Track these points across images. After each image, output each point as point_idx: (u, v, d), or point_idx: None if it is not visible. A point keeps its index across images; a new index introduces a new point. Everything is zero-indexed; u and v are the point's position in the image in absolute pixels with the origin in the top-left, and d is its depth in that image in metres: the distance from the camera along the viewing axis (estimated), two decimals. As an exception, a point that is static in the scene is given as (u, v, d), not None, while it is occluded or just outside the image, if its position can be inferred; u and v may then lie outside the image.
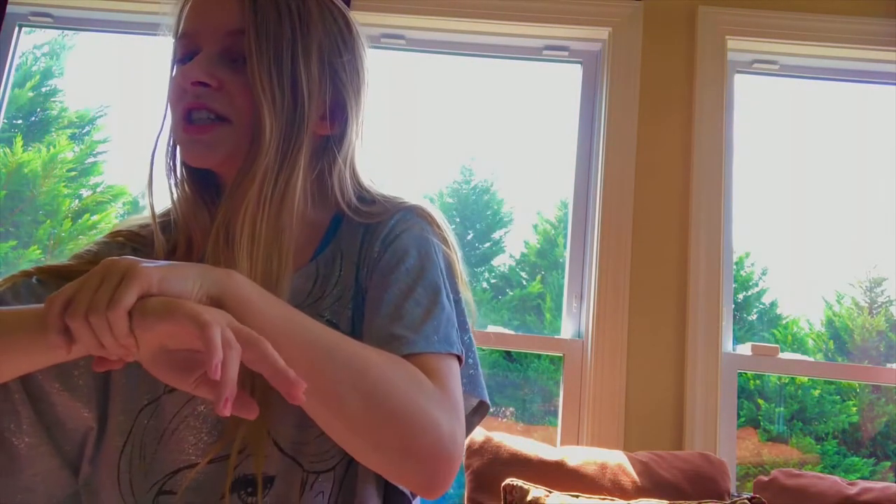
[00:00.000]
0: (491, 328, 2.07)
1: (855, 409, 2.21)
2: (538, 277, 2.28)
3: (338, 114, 0.78)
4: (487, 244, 2.38)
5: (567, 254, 2.10)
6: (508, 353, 2.18)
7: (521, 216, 2.36)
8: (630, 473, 1.63)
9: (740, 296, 2.27)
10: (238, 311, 0.57)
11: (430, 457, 0.61)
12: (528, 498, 1.51)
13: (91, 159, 2.40)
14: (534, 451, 1.66)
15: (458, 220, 2.36)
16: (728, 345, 2.00)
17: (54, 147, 2.35)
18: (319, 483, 0.71)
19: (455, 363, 0.70)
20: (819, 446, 2.18)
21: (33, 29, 2.33)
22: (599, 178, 2.04)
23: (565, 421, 1.94)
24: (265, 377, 0.53)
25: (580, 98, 2.18)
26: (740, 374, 2.04)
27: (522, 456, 1.65)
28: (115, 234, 0.83)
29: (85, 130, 2.41)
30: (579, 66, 2.21)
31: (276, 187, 0.72)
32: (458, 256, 0.81)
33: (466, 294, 0.80)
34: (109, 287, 0.52)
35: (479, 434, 1.70)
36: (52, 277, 0.75)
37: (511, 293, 2.29)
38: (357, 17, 0.82)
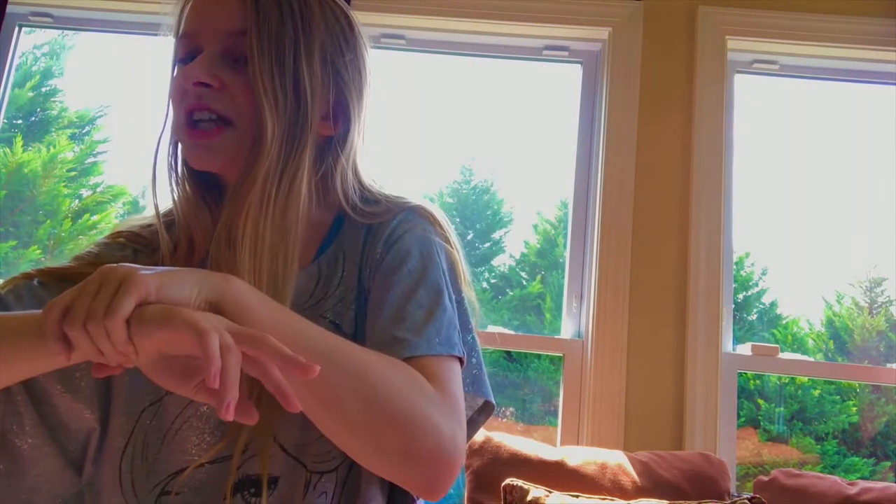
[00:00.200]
0: (491, 328, 2.07)
1: (855, 409, 2.21)
2: (538, 277, 2.28)
3: (340, 114, 0.78)
4: (487, 244, 2.38)
5: (567, 254, 2.10)
6: (508, 353, 2.18)
7: (521, 216, 2.36)
8: (630, 473, 1.63)
9: (740, 296, 2.27)
10: (237, 317, 0.56)
11: (430, 460, 0.61)
12: (528, 498, 1.51)
13: (91, 159, 2.40)
14: (534, 451, 1.66)
15: (458, 220, 2.36)
16: (728, 345, 2.00)
17: (54, 147, 2.35)
18: (322, 483, 0.71)
19: (456, 365, 0.69)
20: (819, 446, 2.18)
21: (33, 29, 2.33)
22: (599, 178, 2.04)
23: (565, 421, 1.94)
24: (263, 378, 0.53)
25: (580, 98, 2.18)
26: (740, 374, 2.04)
27: (522, 456, 1.64)
28: (115, 235, 0.83)
29: (85, 130, 2.41)
30: (579, 66, 2.21)
31: (280, 188, 0.71)
32: (460, 256, 0.81)
33: (469, 294, 0.80)
34: (107, 295, 0.52)
35: (479, 434, 1.70)
36: (53, 279, 0.75)
37: (511, 293, 2.29)
38: (357, 17, 0.82)
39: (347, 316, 0.75)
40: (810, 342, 2.28)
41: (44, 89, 2.41)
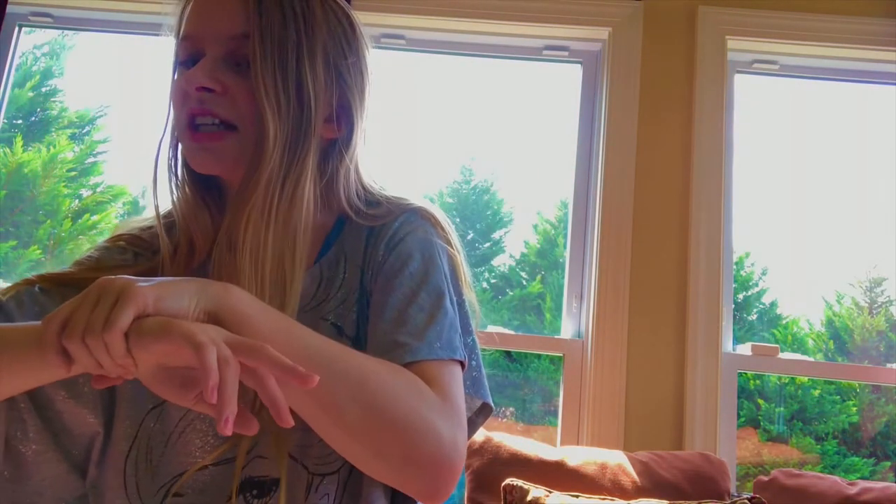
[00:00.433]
0: (491, 328, 2.07)
1: (855, 409, 2.21)
2: (538, 277, 2.28)
3: (343, 116, 0.78)
4: (487, 244, 2.38)
5: (567, 254, 2.10)
6: (508, 353, 2.18)
7: (521, 216, 2.36)
8: (630, 473, 1.63)
9: (740, 296, 2.27)
10: (236, 327, 0.56)
11: (431, 465, 0.62)
12: (528, 498, 1.51)
13: (91, 159, 2.40)
14: (534, 451, 1.66)
15: (458, 220, 2.36)
16: (728, 345, 2.00)
17: (54, 147, 2.35)
18: (324, 485, 0.71)
19: (457, 369, 0.70)
20: (819, 446, 2.18)
21: (33, 29, 2.33)
22: (599, 178, 2.04)
23: (565, 421, 1.94)
24: (259, 390, 0.53)
25: (580, 98, 2.18)
26: (740, 374, 2.04)
27: (522, 456, 1.65)
28: (116, 239, 0.82)
29: (85, 130, 2.41)
30: (579, 66, 2.21)
31: (283, 193, 0.71)
32: (462, 258, 0.81)
33: (470, 295, 0.80)
34: (105, 307, 0.52)
35: (479, 434, 1.70)
36: (54, 285, 0.75)
37: (511, 293, 2.29)
38: (357, 17, 0.82)
39: (349, 318, 0.75)
40: (810, 342, 2.28)
41: (44, 89, 2.41)
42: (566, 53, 2.20)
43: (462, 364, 0.71)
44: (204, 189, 0.80)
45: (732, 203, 2.09)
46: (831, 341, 2.27)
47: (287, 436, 0.70)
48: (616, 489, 1.59)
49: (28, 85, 2.37)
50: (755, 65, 2.19)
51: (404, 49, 2.23)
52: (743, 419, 2.15)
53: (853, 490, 1.63)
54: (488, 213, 2.40)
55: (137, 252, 0.81)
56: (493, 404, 0.77)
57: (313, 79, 0.73)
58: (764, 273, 2.31)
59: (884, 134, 2.21)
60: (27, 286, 0.75)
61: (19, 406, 0.69)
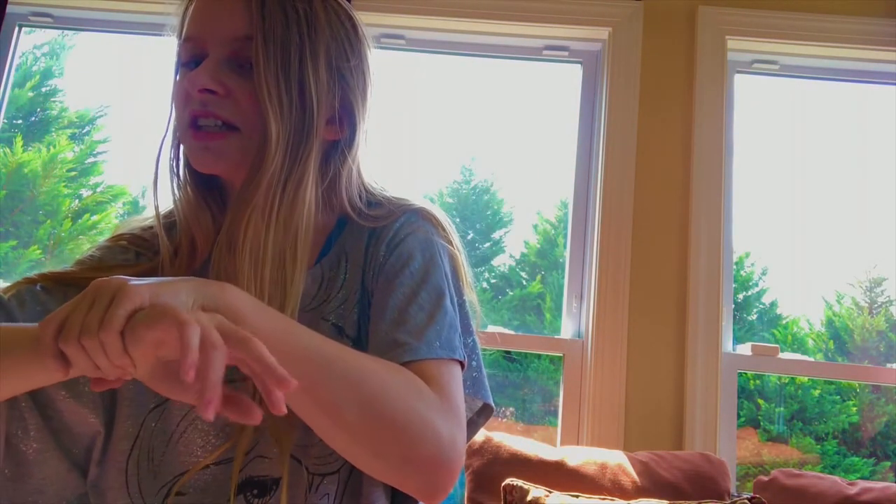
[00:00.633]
0: (491, 328, 2.07)
1: (855, 409, 2.21)
2: (538, 277, 2.28)
3: (346, 118, 0.78)
4: (487, 244, 2.38)
5: (567, 254, 2.10)
6: (508, 353, 2.18)
7: (521, 216, 2.36)
8: (630, 473, 1.63)
9: (740, 296, 2.27)
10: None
11: (430, 464, 0.62)
12: (528, 498, 1.51)
13: (91, 159, 2.40)
14: (534, 451, 1.66)
15: (458, 220, 2.36)
16: (728, 345, 2.00)
17: (54, 147, 2.35)
18: (325, 485, 0.71)
19: (457, 368, 0.70)
20: (819, 446, 2.18)
21: (33, 29, 2.33)
22: (599, 178, 2.04)
23: (565, 421, 1.94)
24: (254, 378, 0.52)
25: (580, 98, 2.18)
26: (740, 374, 2.04)
27: (522, 456, 1.65)
28: (117, 238, 0.82)
29: (85, 130, 2.41)
30: (579, 66, 2.21)
31: (285, 195, 0.71)
32: (463, 258, 0.81)
33: (471, 296, 0.80)
34: (100, 308, 0.51)
35: (479, 434, 1.70)
36: (56, 284, 0.75)
37: (511, 293, 2.29)
38: (355, 12, 0.82)
39: (350, 318, 0.75)
40: (810, 342, 2.28)
41: (44, 89, 2.41)
42: (566, 53, 2.20)
43: (462, 364, 0.71)
44: (205, 190, 0.80)
45: (732, 203, 2.09)
46: (831, 341, 2.27)
47: (288, 435, 0.69)
48: (616, 489, 1.59)
49: (28, 85, 2.37)
50: (755, 65, 2.19)
51: (404, 49, 2.23)
52: (743, 419, 2.15)
53: (853, 490, 1.63)
54: (488, 213, 2.40)
55: (139, 252, 0.81)
56: (493, 405, 0.77)
57: (315, 81, 0.73)
58: (764, 273, 2.31)
59: (884, 134, 2.21)
60: (28, 285, 0.75)
61: (20, 405, 0.69)
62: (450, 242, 0.80)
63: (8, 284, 0.76)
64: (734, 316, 2.06)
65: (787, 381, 2.24)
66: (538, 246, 2.33)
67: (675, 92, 2.09)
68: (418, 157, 2.31)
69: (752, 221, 2.18)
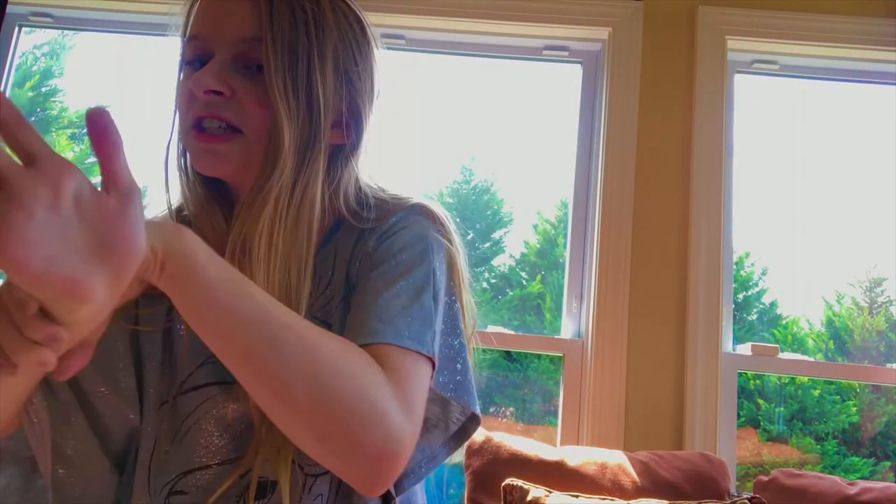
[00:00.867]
0: (491, 328, 2.07)
1: (855, 409, 2.21)
2: (538, 277, 2.28)
3: (352, 122, 0.77)
4: (487, 244, 2.38)
5: (567, 254, 2.10)
6: (508, 353, 2.18)
7: (521, 216, 2.36)
8: (630, 473, 1.63)
9: (740, 296, 2.27)
10: (181, 270, 0.54)
11: (374, 453, 0.59)
12: (528, 498, 1.51)
13: (91, 159, 2.40)
14: (534, 451, 1.66)
15: (458, 220, 2.33)
16: (728, 345, 2.00)
17: (54, 147, 2.35)
18: (318, 486, 0.71)
19: (424, 364, 0.66)
20: (819, 446, 2.18)
21: (33, 29, 2.33)
22: (599, 178, 2.04)
23: (565, 421, 1.94)
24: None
25: (580, 98, 2.18)
26: (740, 374, 2.04)
27: (522, 456, 1.64)
28: None
29: (85, 130, 2.41)
30: (579, 66, 2.21)
31: (293, 198, 0.70)
32: (461, 255, 0.79)
33: (466, 296, 0.78)
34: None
35: (479, 434, 1.70)
36: None
37: (511, 293, 2.29)
38: (364, 14, 0.81)
39: (336, 315, 0.74)
40: (810, 342, 2.28)
41: (44, 89, 2.41)
42: (566, 53, 2.20)
43: (432, 363, 0.68)
44: (214, 189, 0.79)
45: (732, 203, 2.09)
46: (831, 341, 2.27)
47: (284, 443, 0.68)
48: (616, 489, 1.59)
49: (28, 85, 2.37)
50: (755, 65, 2.19)
51: (404, 49, 2.23)
52: (743, 419, 2.15)
53: (853, 490, 1.63)
54: (488, 213, 2.40)
55: None
56: (479, 412, 0.74)
57: (323, 83, 0.72)
58: (764, 273, 2.31)
59: (884, 134, 2.21)
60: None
61: (65, 405, 0.70)
62: (448, 238, 0.78)
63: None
64: (734, 316, 2.06)
65: (787, 381, 2.24)
66: (538, 246, 2.33)
67: (675, 92, 2.09)
68: (418, 157, 2.32)
69: (752, 221, 2.18)
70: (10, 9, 2.15)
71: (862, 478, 2.00)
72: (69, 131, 2.39)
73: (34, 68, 2.40)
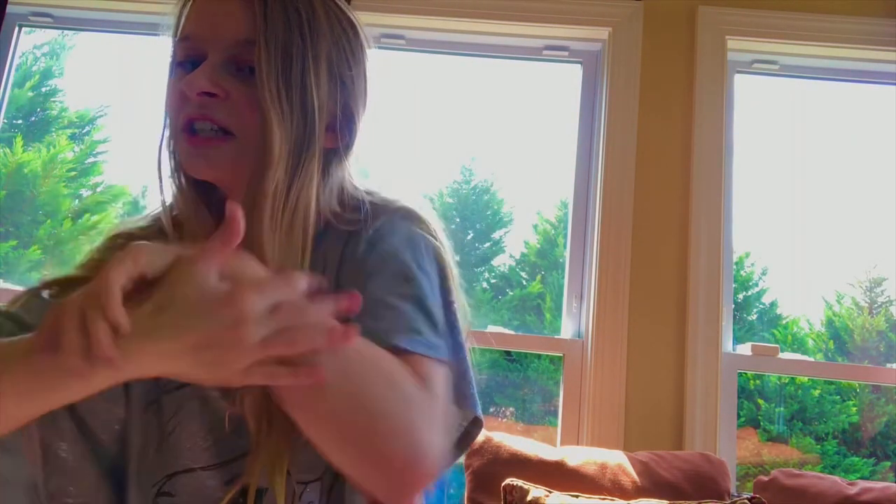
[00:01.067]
0: (491, 328, 2.07)
1: (855, 409, 2.21)
2: (538, 277, 2.28)
3: (345, 125, 0.76)
4: (487, 244, 2.38)
5: (567, 254, 2.10)
6: (508, 353, 2.19)
7: (521, 216, 2.36)
8: (630, 473, 1.63)
9: (740, 296, 2.27)
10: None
11: (403, 464, 0.57)
12: (528, 498, 1.51)
13: (91, 159, 2.40)
14: (534, 451, 1.66)
15: (458, 220, 2.36)
16: (728, 345, 2.00)
17: (54, 147, 2.35)
18: (308, 493, 0.70)
19: (442, 369, 0.66)
20: (819, 446, 2.18)
21: (33, 29, 2.33)
22: (599, 178, 2.04)
23: (565, 421, 1.94)
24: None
25: (580, 98, 2.18)
26: (740, 374, 2.04)
27: (522, 456, 1.64)
28: (114, 238, 0.81)
29: (85, 130, 2.41)
30: (579, 66, 2.21)
31: (288, 202, 0.69)
32: (449, 257, 0.77)
33: (460, 297, 0.77)
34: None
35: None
36: (61, 288, 0.74)
37: (511, 293, 2.29)
38: (357, 17, 0.81)
39: None
40: (810, 342, 2.28)
41: (44, 89, 2.41)
42: (566, 53, 2.20)
43: (447, 363, 0.67)
44: (204, 192, 0.78)
45: (732, 203, 2.09)
46: (831, 341, 2.27)
47: (280, 451, 0.67)
48: (616, 489, 1.59)
49: (28, 85, 2.37)
50: (755, 65, 2.19)
51: (404, 49, 2.23)
52: (743, 419, 2.15)
53: (853, 490, 1.63)
54: (488, 213, 2.40)
55: None
56: (481, 415, 0.72)
57: (317, 86, 0.71)
58: (764, 273, 2.31)
59: (884, 134, 2.21)
60: (35, 294, 0.74)
61: (55, 413, 0.69)
62: (435, 239, 0.77)
63: (9, 286, 0.76)
64: (734, 316, 2.06)
65: (787, 381, 2.24)
66: (538, 246, 2.33)
67: (675, 92, 2.09)
68: (418, 157, 2.32)
69: (752, 221, 2.18)
70: (10, 9, 2.15)
71: (862, 478, 2.00)
72: (69, 131, 2.39)
73: (34, 68, 2.40)
